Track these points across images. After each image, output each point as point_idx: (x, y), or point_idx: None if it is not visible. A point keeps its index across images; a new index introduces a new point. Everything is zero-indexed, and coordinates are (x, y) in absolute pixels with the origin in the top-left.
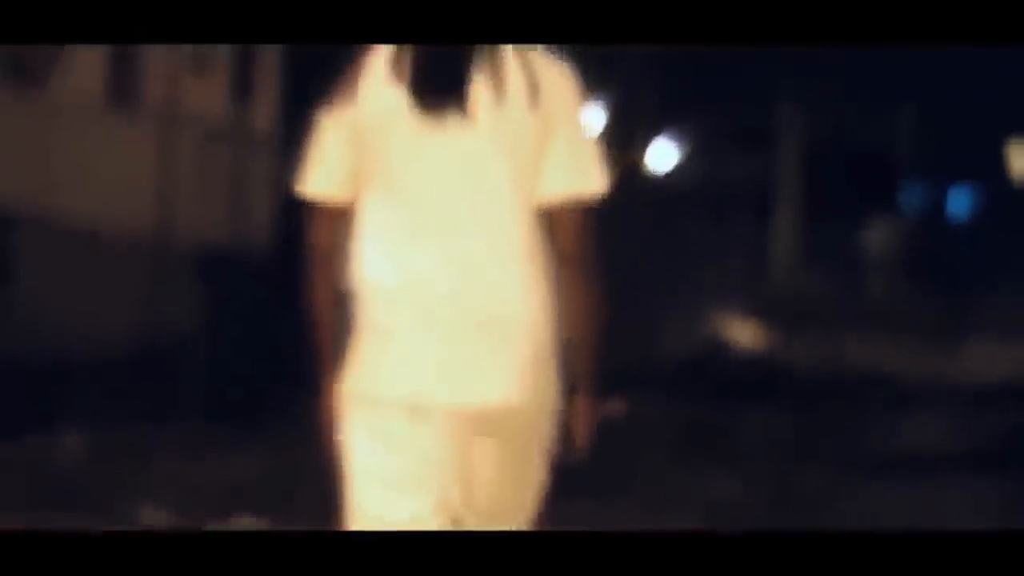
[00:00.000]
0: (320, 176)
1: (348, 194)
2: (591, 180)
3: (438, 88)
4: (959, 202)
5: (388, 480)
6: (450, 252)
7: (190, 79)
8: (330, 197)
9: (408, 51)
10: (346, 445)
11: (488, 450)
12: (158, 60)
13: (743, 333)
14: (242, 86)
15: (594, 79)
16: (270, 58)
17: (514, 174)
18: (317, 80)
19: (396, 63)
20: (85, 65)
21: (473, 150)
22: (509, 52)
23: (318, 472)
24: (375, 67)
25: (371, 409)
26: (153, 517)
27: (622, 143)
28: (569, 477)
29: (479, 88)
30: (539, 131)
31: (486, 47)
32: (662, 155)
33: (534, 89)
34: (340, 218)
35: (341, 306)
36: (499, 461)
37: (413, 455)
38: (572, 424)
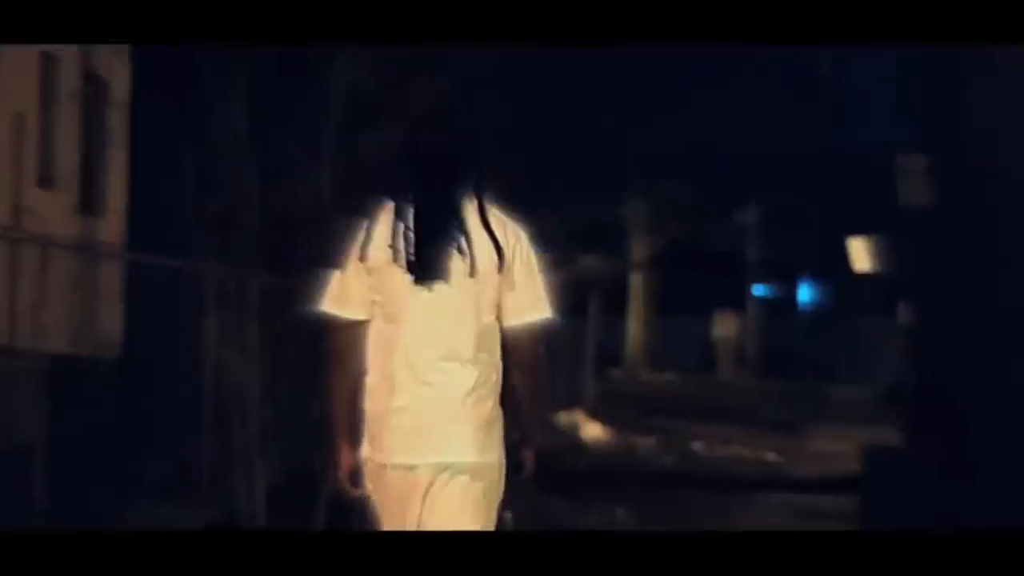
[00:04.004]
0: (341, 300)
1: (360, 314)
2: (542, 309)
3: (425, 269)
4: (804, 294)
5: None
6: (427, 364)
7: (38, 193)
8: (346, 315)
9: (402, 231)
10: (364, 494)
11: (454, 490)
12: (4, 175)
13: (592, 426)
14: (88, 200)
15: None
16: (117, 176)
17: (478, 313)
18: (163, 193)
19: (394, 239)
20: None
21: (450, 301)
22: (478, 227)
23: None
24: (381, 232)
25: (377, 469)
26: None
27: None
28: None
29: (457, 265)
30: (501, 284)
31: (461, 229)
32: None
33: (500, 256)
34: (353, 330)
35: (354, 395)
36: (461, 498)
37: (403, 496)
38: (520, 465)
